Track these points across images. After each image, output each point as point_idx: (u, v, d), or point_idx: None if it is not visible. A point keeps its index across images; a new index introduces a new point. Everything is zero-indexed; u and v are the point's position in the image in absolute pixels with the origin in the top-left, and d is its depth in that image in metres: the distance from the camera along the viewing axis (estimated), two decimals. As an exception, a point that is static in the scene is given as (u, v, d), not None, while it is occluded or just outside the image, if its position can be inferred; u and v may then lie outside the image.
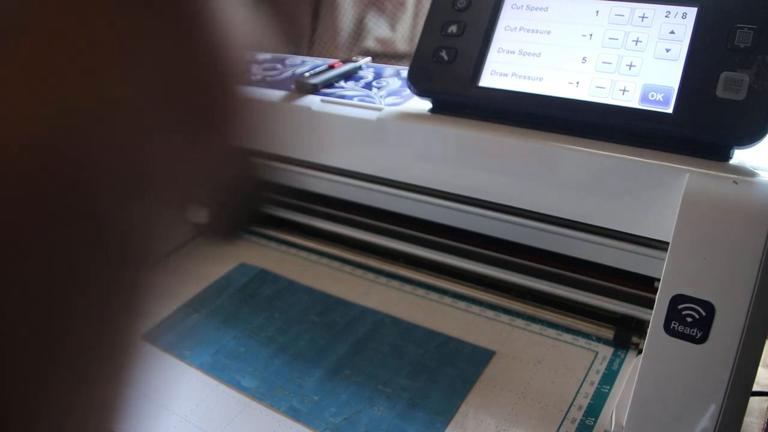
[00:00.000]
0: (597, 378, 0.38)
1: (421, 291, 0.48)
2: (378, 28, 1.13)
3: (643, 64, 0.34)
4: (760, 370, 0.37)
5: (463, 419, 0.36)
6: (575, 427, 0.35)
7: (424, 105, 0.41)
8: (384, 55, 1.11)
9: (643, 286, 0.41)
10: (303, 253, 0.54)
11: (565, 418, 0.36)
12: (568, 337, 0.42)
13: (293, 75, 0.50)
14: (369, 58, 0.51)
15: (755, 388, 0.38)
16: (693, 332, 0.30)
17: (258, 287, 0.49)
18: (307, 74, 0.47)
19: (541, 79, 0.36)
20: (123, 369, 0.12)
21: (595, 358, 0.40)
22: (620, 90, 0.34)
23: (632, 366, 0.39)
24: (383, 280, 0.49)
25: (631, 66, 0.34)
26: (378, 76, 0.49)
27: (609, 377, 0.38)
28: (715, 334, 0.29)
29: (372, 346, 0.42)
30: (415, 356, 0.41)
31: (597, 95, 0.34)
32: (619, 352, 0.40)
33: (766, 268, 0.29)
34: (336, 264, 0.52)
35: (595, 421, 0.35)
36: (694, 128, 0.32)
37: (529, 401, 0.37)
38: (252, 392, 0.39)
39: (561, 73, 0.36)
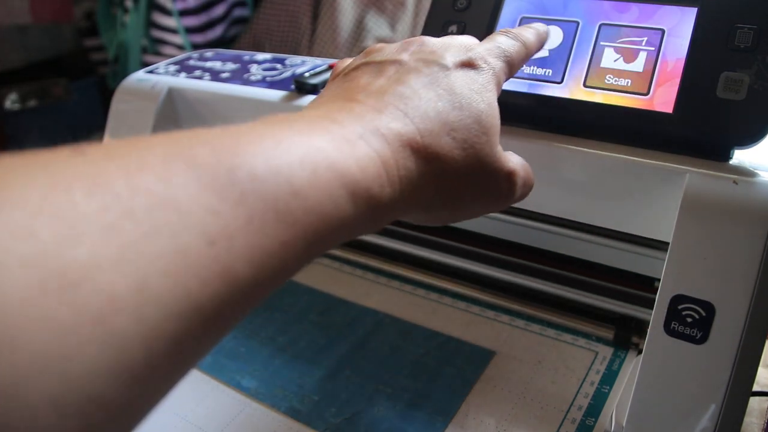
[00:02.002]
0: (597, 378, 0.38)
1: (421, 291, 0.48)
2: (378, 28, 1.13)
3: (643, 64, 0.34)
4: (760, 370, 0.37)
5: (463, 419, 0.36)
6: (575, 427, 0.35)
7: (424, 105, 0.41)
8: (384, 55, 1.11)
9: (643, 286, 0.41)
10: (303, 253, 0.54)
11: (565, 418, 0.36)
12: (568, 337, 0.42)
13: (293, 75, 0.50)
14: (369, 58, 0.51)
15: (755, 388, 0.38)
16: (693, 332, 0.30)
17: (258, 287, 0.49)
18: (307, 74, 0.47)
19: (541, 79, 0.36)
20: None
21: (595, 358, 0.40)
22: (620, 90, 0.34)
23: (632, 366, 0.39)
24: (383, 280, 0.49)
25: (631, 66, 0.34)
26: (378, 76, 0.49)
27: (609, 377, 0.38)
28: (715, 334, 0.29)
29: (372, 346, 0.42)
30: (415, 356, 0.41)
31: (597, 95, 0.34)
32: (619, 352, 0.40)
33: (766, 268, 0.29)
34: (336, 264, 0.52)
35: (595, 421, 0.35)
36: (694, 128, 0.32)
37: (529, 401, 0.37)
38: (252, 392, 0.39)
39: (561, 73, 0.36)
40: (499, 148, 0.27)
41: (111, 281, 0.13)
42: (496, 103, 0.27)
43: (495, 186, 0.27)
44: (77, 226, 0.13)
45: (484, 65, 0.27)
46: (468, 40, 0.28)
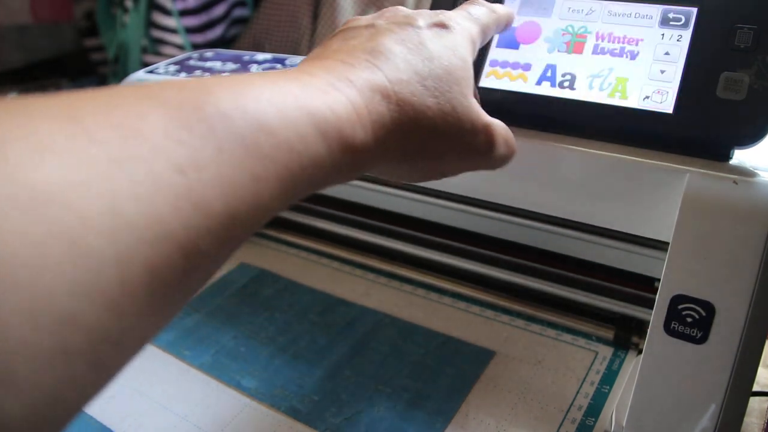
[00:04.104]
0: (597, 378, 0.38)
1: (421, 291, 0.48)
2: (378, 28, 1.12)
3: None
4: (760, 370, 0.37)
5: (463, 419, 0.36)
6: (575, 427, 0.35)
7: (424, 105, 0.41)
8: (384, 55, 1.10)
9: (643, 286, 0.41)
10: (303, 253, 0.54)
11: (565, 418, 0.36)
12: (568, 337, 0.42)
13: (293, 75, 0.50)
14: (369, 58, 0.51)
15: (755, 388, 0.38)
16: (693, 332, 0.30)
17: (258, 287, 0.49)
18: (307, 74, 0.47)
19: (541, 79, 0.36)
20: None
21: (595, 358, 0.40)
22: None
23: (632, 366, 0.39)
24: (383, 280, 0.49)
25: (631, 66, 0.34)
26: (378, 76, 0.49)
27: (609, 377, 0.38)
28: (715, 334, 0.29)
29: (372, 346, 0.42)
30: (415, 356, 0.41)
31: (596, 95, 0.34)
32: (619, 352, 0.40)
33: (766, 268, 0.29)
34: (336, 264, 0.52)
35: (595, 421, 0.35)
36: (694, 128, 0.32)
37: (529, 401, 0.37)
38: (252, 392, 0.39)
39: (561, 73, 0.36)
40: (474, 101, 0.27)
41: (82, 201, 0.13)
42: (471, 62, 0.28)
43: (471, 138, 0.27)
44: (45, 150, 0.14)
45: (455, 25, 0.28)
46: (440, 10, 0.30)
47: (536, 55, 0.36)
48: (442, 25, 0.28)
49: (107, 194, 0.14)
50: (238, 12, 1.24)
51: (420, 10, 0.29)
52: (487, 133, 0.28)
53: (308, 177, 0.20)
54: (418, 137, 0.25)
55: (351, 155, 0.22)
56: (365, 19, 0.28)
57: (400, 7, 0.29)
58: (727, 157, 0.32)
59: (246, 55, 0.57)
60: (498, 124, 0.29)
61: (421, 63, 0.25)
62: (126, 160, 0.15)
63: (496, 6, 0.33)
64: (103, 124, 0.15)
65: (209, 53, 0.59)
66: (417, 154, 0.26)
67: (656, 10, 0.34)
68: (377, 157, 0.24)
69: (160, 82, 0.18)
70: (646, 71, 0.34)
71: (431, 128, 0.25)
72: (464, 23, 0.29)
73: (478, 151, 0.28)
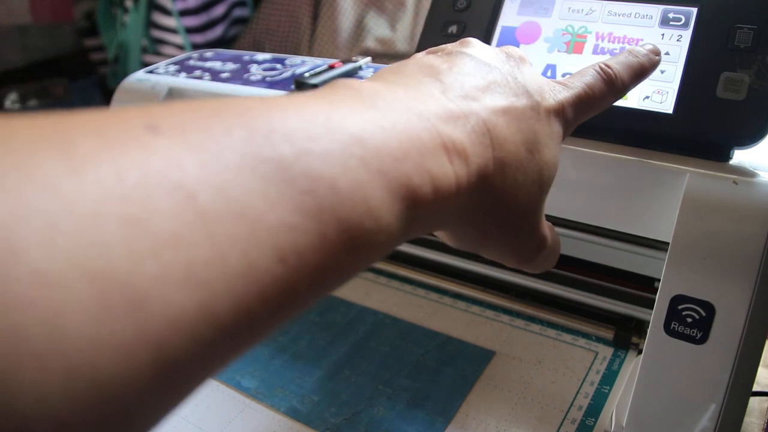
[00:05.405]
0: (597, 378, 0.38)
1: (421, 291, 0.48)
2: (378, 28, 1.13)
3: (643, 64, 0.34)
4: (760, 370, 0.37)
5: (463, 419, 0.36)
6: (575, 428, 0.35)
7: (424, 105, 0.41)
8: (384, 55, 1.11)
9: (643, 286, 0.41)
10: (303, 253, 0.54)
11: (565, 418, 0.36)
12: (568, 337, 0.42)
13: (293, 75, 0.50)
14: (369, 58, 0.51)
15: (755, 388, 0.38)
16: (693, 332, 0.30)
17: (258, 287, 0.49)
18: (307, 74, 0.47)
19: (541, 79, 0.36)
20: None
21: (595, 358, 0.40)
22: (620, 90, 0.34)
23: (632, 366, 0.39)
24: (383, 280, 0.49)
25: (631, 66, 0.34)
26: (378, 76, 0.49)
27: (609, 377, 0.38)
28: (715, 334, 0.29)
29: (372, 346, 0.42)
30: (415, 356, 0.41)
31: (597, 95, 0.34)
32: (619, 352, 0.40)
33: (766, 268, 0.29)
34: (336, 264, 0.52)
35: (595, 422, 0.35)
36: (694, 128, 0.32)
37: (529, 401, 0.37)
38: (252, 392, 0.39)
39: (561, 73, 0.36)
40: (543, 210, 0.26)
41: (176, 302, 0.12)
42: (559, 158, 0.25)
43: (523, 243, 0.26)
44: (150, 236, 0.12)
45: (564, 121, 0.25)
46: (561, 80, 0.26)
47: (536, 55, 0.37)
48: (557, 113, 0.25)
49: (202, 292, 0.13)
50: (238, 12, 1.24)
51: (544, 79, 0.25)
52: (539, 244, 0.26)
53: (384, 254, 0.18)
54: (482, 228, 0.24)
55: (427, 230, 0.21)
56: (491, 55, 0.25)
57: (525, 59, 0.25)
58: (727, 157, 0.32)
59: (246, 55, 0.57)
60: (551, 241, 0.27)
61: (525, 154, 0.23)
62: (229, 244, 0.13)
63: (626, 77, 0.28)
64: (219, 204, 0.13)
65: (209, 53, 0.59)
66: (473, 240, 0.25)
67: (656, 10, 0.34)
68: (441, 228, 0.23)
69: (262, 127, 0.15)
70: (646, 71, 0.34)
71: (498, 226, 0.24)
72: (575, 116, 0.26)
73: (522, 254, 0.26)
